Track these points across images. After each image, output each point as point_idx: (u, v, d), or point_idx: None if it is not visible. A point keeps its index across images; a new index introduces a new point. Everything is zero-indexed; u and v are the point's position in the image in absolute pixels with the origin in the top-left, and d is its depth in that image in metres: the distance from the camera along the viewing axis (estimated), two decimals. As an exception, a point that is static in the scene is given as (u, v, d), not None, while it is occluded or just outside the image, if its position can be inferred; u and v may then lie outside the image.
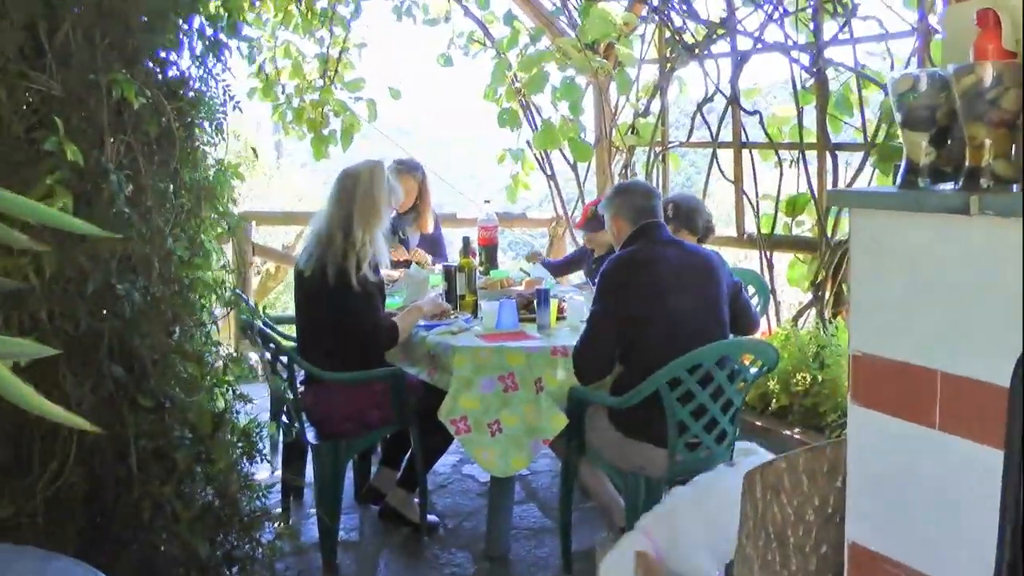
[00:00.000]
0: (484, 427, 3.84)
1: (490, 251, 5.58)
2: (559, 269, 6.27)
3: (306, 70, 7.39)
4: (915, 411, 2.06)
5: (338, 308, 4.10)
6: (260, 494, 3.25)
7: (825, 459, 2.34)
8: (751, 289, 5.07)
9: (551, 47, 6.78)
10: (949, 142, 2.07)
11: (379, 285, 4.17)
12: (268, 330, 4.17)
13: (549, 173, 7.35)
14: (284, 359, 4.09)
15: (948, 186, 2.05)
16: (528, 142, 7.28)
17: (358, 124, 7.41)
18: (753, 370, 3.72)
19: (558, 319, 4.34)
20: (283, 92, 7.41)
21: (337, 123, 7.44)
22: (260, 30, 7.26)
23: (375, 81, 7.50)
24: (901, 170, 2.13)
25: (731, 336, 3.84)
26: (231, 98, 3.51)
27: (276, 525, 3.33)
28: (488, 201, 5.75)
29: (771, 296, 5.46)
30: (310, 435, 4.19)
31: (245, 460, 3.29)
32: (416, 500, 4.36)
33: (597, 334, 3.67)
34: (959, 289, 1.94)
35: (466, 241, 4.73)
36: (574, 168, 7.18)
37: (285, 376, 4.12)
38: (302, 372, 4.21)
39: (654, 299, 3.60)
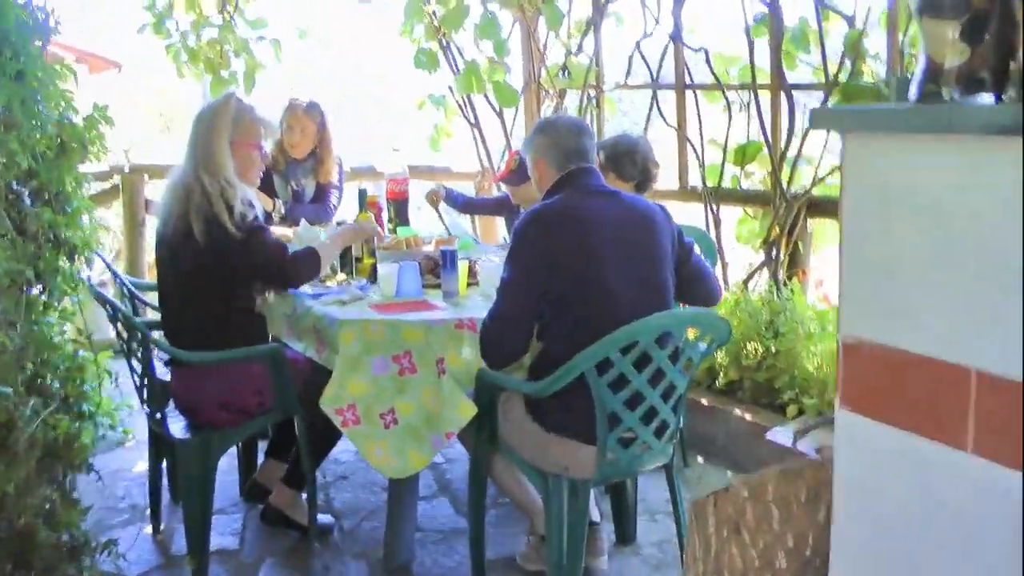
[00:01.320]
0: (376, 418, 3.15)
1: (400, 207, 4.88)
2: (479, 208, 5.59)
3: (202, 4, 6.57)
4: (936, 425, 1.43)
5: (217, 268, 3.40)
6: (78, 517, 2.55)
7: (802, 484, 1.70)
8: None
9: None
10: (987, 36, 1.42)
11: (261, 219, 3.52)
12: (122, 299, 3.47)
13: (472, 121, 6.65)
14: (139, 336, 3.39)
15: (987, 98, 1.40)
16: (450, 87, 6.57)
17: (260, 66, 6.62)
18: (701, 346, 3.08)
19: (469, 285, 3.67)
20: (177, 28, 6.60)
21: (239, 64, 6.66)
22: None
23: (280, 19, 6.73)
24: (916, 77, 1.48)
25: (677, 307, 3.20)
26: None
27: (102, 553, 2.63)
28: (397, 150, 5.05)
29: (718, 256, 4.84)
30: (177, 427, 3.51)
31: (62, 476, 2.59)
32: (304, 499, 3.69)
33: (508, 306, 3.00)
34: (1007, 248, 1.30)
35: (362, 194, 4.01)
36: (499, 115, 6.47)
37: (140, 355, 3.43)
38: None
39: (580, 262, 2.93)
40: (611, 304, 2.92)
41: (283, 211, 4.92)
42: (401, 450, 3.14)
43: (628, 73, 5.61)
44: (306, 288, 3.71)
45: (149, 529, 3.85)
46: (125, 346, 3.55)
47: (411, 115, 7.44)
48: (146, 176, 6.62)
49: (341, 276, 3.85)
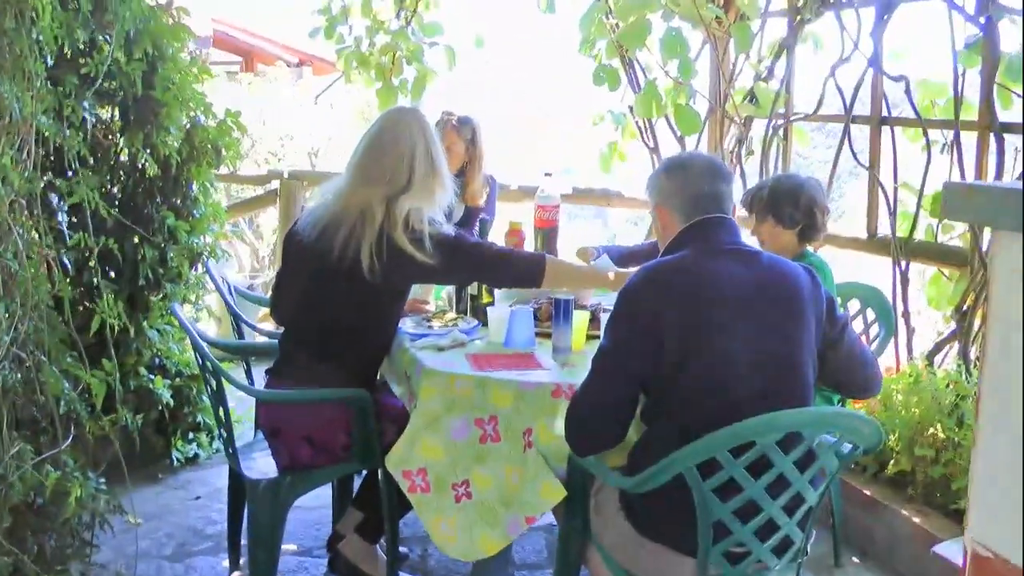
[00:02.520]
0: (447, 488, 2.73)
1: (548, 237, 4.43)
2: (641, 256, 5.05)
3: (376, 8, 6.33)
4: None
5: (373, 287, 3.10)
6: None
7: None
8: (870, 314, 3.81)
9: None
10: None
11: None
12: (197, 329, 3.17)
13: (651, 145, 6.13)
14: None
15: None
16: (630, 106, 6.08)
17: (432, 74, 6.32)
18: (844, 449, 2.49)
19: (589, 338, 3.19)
20: (350, 33, 6.39)
21: (410, 72, 6.38)
22: (326, -41, 6.27)
23: (453, 25, 6.42)
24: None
25: (820, 394, 2.63)
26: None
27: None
28: (549, 174, 4.61)
29: (901, 322, 4.17)
30: (258, 457, 3.21)
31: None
32: (382, 554, 3.31)
33: (602, 382, 2.49)
34: None
35: (483, 223, 3.58)
36: (680, 141, 5.93)
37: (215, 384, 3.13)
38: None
39: (696, 334, 2.40)
40: (731, 387, 2.38)
41: None
42: (470, 529, 2.71)
43: (820, 102, 4.99)
44: (408, 325, 3.33)
45: (227, 563, 3.57)
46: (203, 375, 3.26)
47: (585, 134, 7.01)
48: (304, 183, 6.44)
49: (451, 315, 3.44)
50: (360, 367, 3.27)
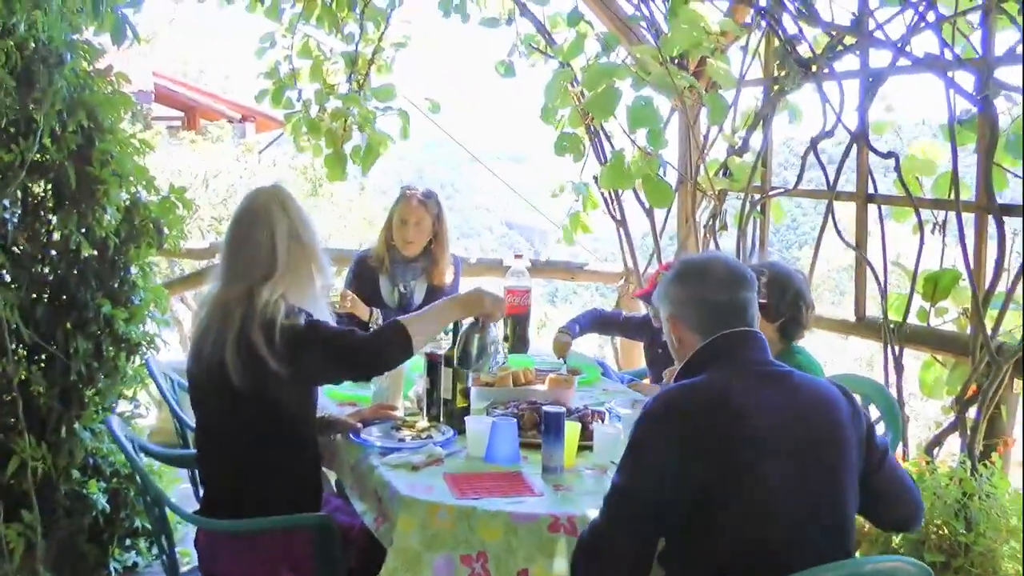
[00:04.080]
0: (435, 641, 2.39)
1: (518, 324, 4.14)
2: (615, 326, 4.73)
3: (327, 71, 6.02)
4: None
5: (255, 397, 2.72)
6: None
7: None
8: (873, 411, 3.54)
9: (627, 60, 5.33)
10: None
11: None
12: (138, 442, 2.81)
13: (618, 218, 5.87)
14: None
15: None
16: (595, 176, 5.82)
17: (386, 141, 6.01)
18: None
19: (581, 449, 2.87)
20: (299, 98, 6.07)
21: (361, 138, 6.07)
22: (275, 22, 5.95)
23: (407, 90, 6.15)
24: None
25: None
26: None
27: None
28: (519, 256, 4.32)
29: (902, 419, 3.90)
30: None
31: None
32: None
33: (616, 526, 2.16)
34: None
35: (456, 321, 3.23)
36: (649, 214, 5.68)
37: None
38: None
39: (723, 473, 2.09)
40: (767, 531, 2.08)
41: (380, 320, 4.19)
42: None
43: (800, 177, 4.75)
44: (375, 434, 3.00)
45: None
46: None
47: (551, 202, 6.74)
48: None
49: (423, 423, 3.10)
50: (292, 492, 2.89)
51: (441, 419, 3.14)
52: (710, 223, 5.21)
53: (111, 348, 3.88)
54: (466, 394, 3.15)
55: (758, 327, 2.32)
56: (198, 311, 2.88)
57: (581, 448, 2.87)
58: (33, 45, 3.60)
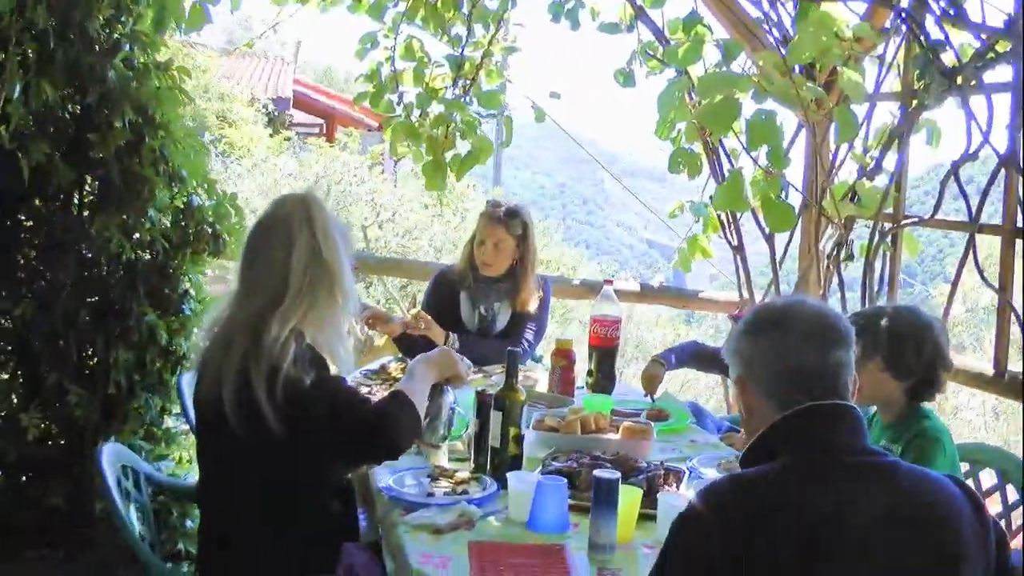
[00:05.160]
0: None
1: (604, 359, 3.67)
2: (714, 363, 4.19)
3: (430, 75, 5.67)
4: None
5: (258, 448, 2.33)
6: None
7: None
8: (1010, 491, 2.96)
9: (750, 69, 4.81)
10: None
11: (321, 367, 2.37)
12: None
13: (735, 243, 5.35)
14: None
15: None
16: (711, 197, 5.31)
17: (489, 148, 5.62)
18: None
19: (641, 519, 2.40)
20: (399, 101, 5.72)
21: (463, 145, 5.69)
22: (377, 22, 5.63)
23: (512, 95, 5.76)
24: None
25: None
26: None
27: None
28: (610, 281, 3.87)
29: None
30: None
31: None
32: None
33: None
34: None
35: (512, 356, 2.77)
36: (768, 240, 5.12)
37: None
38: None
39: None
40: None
41: (457, 346, 3.76)
42: None
43: (938, 205, 4.16)
44: (406, 483, 2.58)
45: None
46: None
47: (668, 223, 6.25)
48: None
49: (463, 474, 2.66)
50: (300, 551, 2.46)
51: (487, 468, 2.70)
52: (834, 253, 4.65)
53: (156, 360, 3.58)
54: (519, 441, 2.70)
55: (853, 397, 1.79)
56: (208, 326, 2.49)
57: (643, 517, 2.39)
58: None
